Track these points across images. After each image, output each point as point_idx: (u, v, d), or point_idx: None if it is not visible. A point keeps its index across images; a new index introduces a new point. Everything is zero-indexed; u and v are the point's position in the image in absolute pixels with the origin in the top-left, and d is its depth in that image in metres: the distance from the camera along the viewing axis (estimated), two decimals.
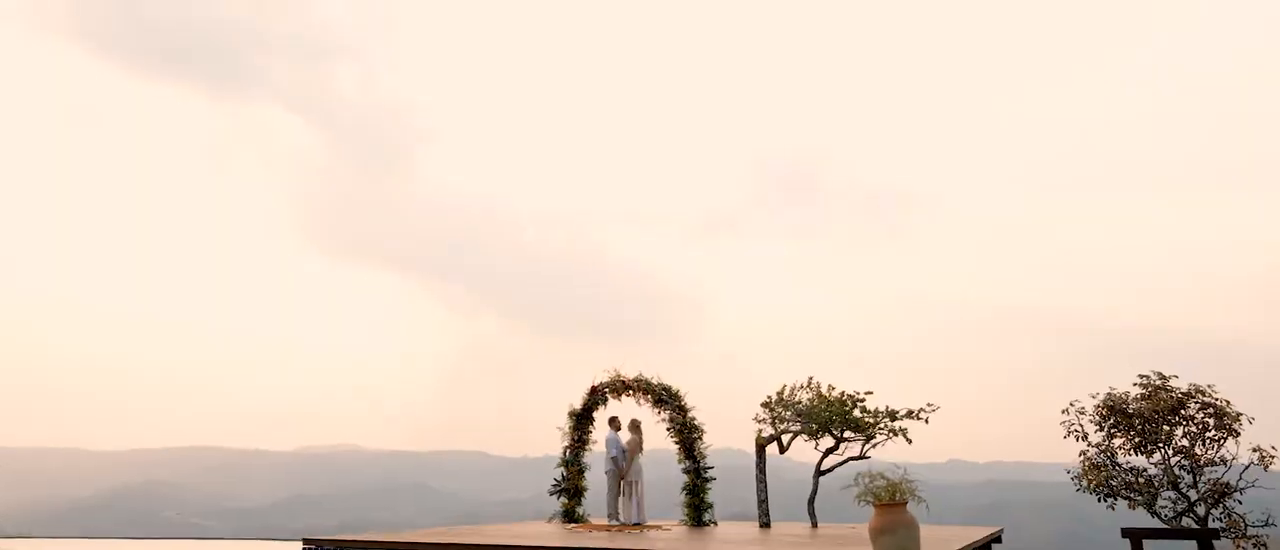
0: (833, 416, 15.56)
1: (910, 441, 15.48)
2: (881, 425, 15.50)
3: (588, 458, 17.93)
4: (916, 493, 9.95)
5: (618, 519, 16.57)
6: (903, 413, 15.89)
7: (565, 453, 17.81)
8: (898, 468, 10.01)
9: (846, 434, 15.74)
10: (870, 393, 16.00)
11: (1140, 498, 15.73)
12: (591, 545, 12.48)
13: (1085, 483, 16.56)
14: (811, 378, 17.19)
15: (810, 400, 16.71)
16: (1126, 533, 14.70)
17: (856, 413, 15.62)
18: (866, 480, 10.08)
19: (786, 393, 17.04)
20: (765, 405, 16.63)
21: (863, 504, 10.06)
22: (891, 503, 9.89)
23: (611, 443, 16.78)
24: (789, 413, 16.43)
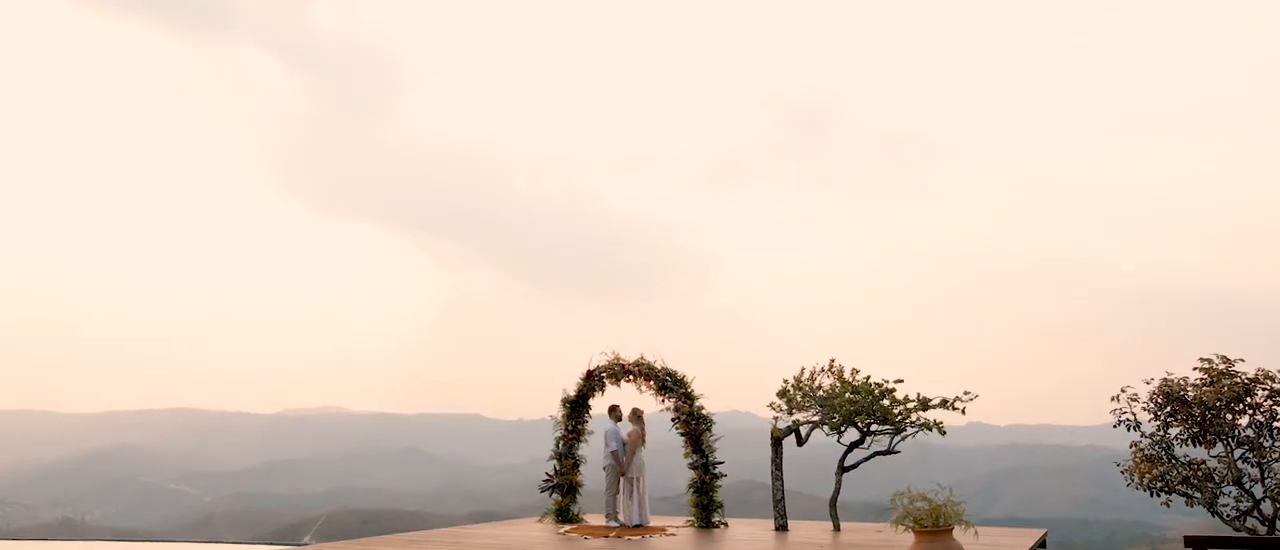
0: (860, 407, 14.64)
1: (944, 433, 14.60)
2: (913, 418, 14.59)
3: (583, 449, 17.08)
4: (963, 517, 9.08)
5: (617, 520, 15.75)
6: (936, 401, 14.99)
7: (558, 444, 16.95)
8: (942, 488, 9.13)
9: (873, 427, 14.84)
10: (900, 381, 15.08)
11: (1199, 496, 14.91)
12: None
13: (1137, 477, 15.74)
14: (833, 360, 16.26)
15: (832, 386, 15.81)
16: (1190, 542, 13.90)
17: (886, 402, 14.69)
18: (905, 501, 9.20)
19: (805, 377, 16.13)
20: (782, 393, 15.70)
21: (902, 530, 9.18)
22: (935, 529, 9.01)
23: (610, 435, 15.91)
24: (809, 402, 15.52)
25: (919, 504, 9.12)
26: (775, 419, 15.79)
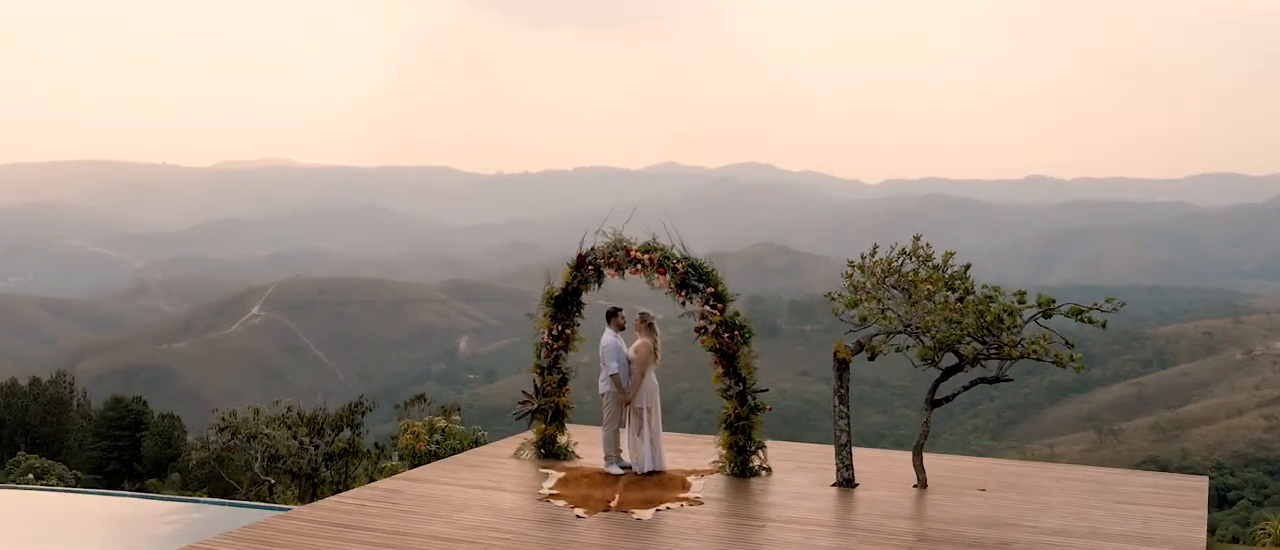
0: (966, 330, 12.09)
1: (1080, 370, 12.22)
2: (1036, 349, 12.05)
3: (574, 362, 14.77)
4: None
5: (619, 464, 13.56)
6: (1064, 307, 12.46)
7: (538, 354, 14.56)
8: None
9: (980, 355, 12.35)
10: (1020, 294, 12.48)
11: None
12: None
13: None
14: (918, 238, 13.57)
15: (913, 274, 13.22)
16: None
17: (1004, 323, 12.11)
18: None
19: (877, 260, 13.51)
20: (851, 303, 13.08)
21: None
22: None
23: (610, 349, 13.36)
24: (887, 304, 12.95)
25: None
26: (840, 339, 13.27)
